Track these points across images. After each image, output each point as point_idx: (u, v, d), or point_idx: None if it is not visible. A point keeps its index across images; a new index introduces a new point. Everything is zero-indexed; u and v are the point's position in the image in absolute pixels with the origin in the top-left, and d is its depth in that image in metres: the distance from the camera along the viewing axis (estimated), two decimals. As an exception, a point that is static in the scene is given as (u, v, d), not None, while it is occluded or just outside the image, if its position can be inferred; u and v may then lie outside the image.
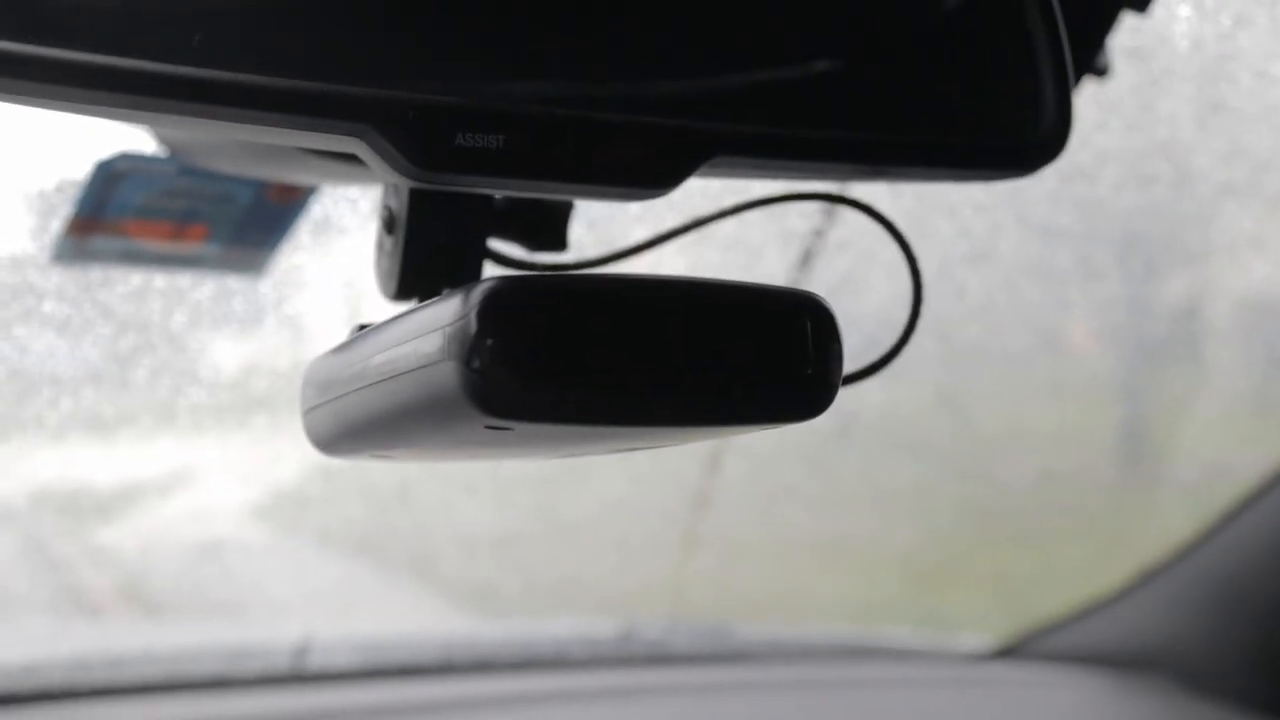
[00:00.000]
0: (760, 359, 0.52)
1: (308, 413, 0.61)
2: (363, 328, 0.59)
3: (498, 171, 0.53)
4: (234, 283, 1.25)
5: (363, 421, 0.57)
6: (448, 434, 0.53)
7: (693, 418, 0.53)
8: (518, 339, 0.49)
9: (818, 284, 1.40)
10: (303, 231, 0.97)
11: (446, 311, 0.50)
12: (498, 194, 0.65)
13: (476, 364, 0.48)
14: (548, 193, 0.62)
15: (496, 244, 0.68)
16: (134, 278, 1.20)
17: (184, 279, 1.23)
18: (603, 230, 1.12)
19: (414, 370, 0.52)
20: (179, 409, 1.55)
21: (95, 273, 1.17)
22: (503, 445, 0.57)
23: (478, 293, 0.49)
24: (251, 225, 0.89)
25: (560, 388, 0.49)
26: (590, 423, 0.51)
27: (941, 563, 2.68)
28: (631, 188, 0.56)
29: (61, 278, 1.20)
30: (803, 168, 0.62)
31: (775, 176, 0.65)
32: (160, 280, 1.22)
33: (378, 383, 0.54)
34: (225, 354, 1.55)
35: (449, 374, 0.49)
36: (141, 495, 2.11)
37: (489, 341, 0.48)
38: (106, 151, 0.81)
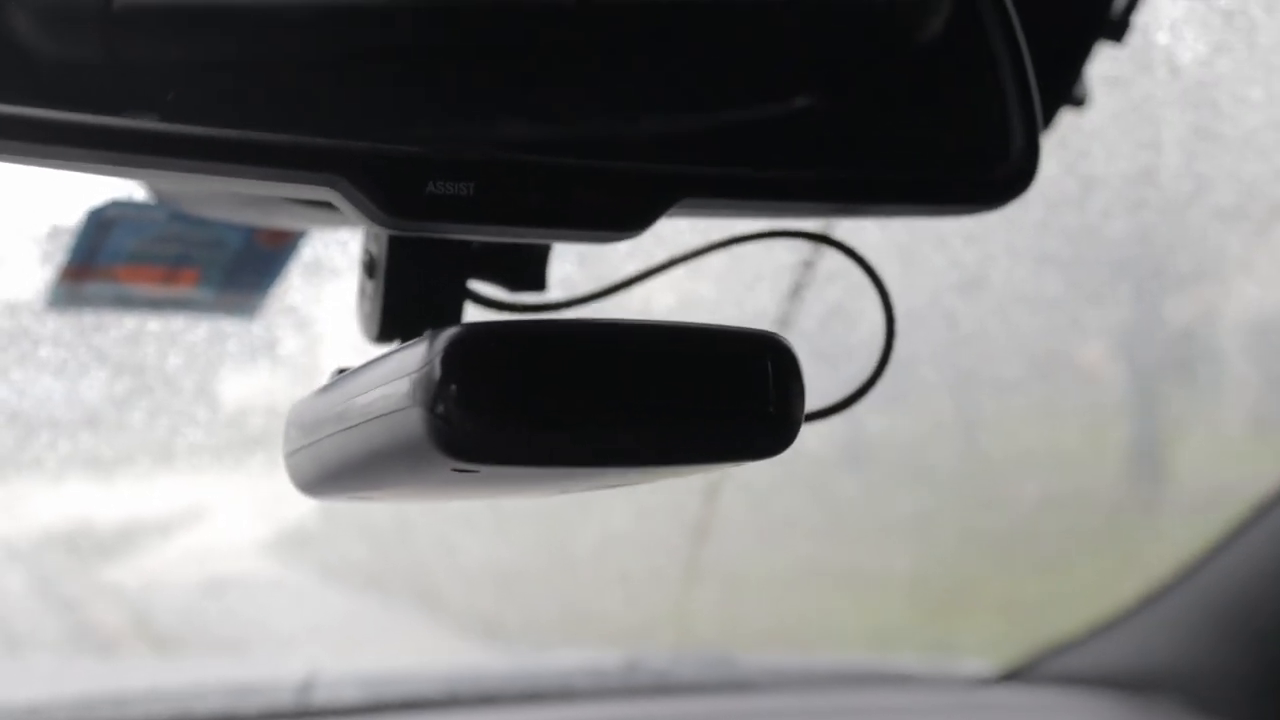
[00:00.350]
0: (722, 399, 0.53)
1: (289, 455, 0.63)
2: (342, 371, 0.60)
3: (469, 218, 0.54)
4: (228, 325, 1.26)
5: (339, 465, 0.58)
6: (419, 477, 0.54)
7: (654, 458, 0.54)
8: (480, 384, 0.50)
9: (808, 315, 1.41)
10: (295, 273, 0.98)
11: (413, 358, 0.51)
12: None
13: (440, 409, 0.50)
14: (520, 237, 0.63)
15: (477, 285, 0.70)
16: (129, 322, 1.21)
17: (178, 322, 1.24)
18: (593, 267, 1.13)
19: (383, 416, 0.53)
20: (177, 449, 1.56)
21: (90, 317, 1.18)
22: (474, 486, 0.58)
23: (441, 340, 0.50)
24: (242, 269, 0.90)
25: (523, 431, 0.51)
26: (554, 464, 0.52)
27: (950, 589, 2.67)
28: (602, 230, 0.57)
29: (58, 323, 1.21)
30: (773, 207, 0.63)
31: (747, 215, 0.66)
32: (155, 324, 1.23)
33: (351, 427, 0.56)
34: (224, 393, 1.56)
35: (415, 420, 0.50)
36: (143, 533, 2.12)
37: (452, 387, 0.50)
38: (97, 199, 0.82)
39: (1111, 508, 2.45)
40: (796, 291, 1.33)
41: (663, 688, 1.70)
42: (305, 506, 1.97)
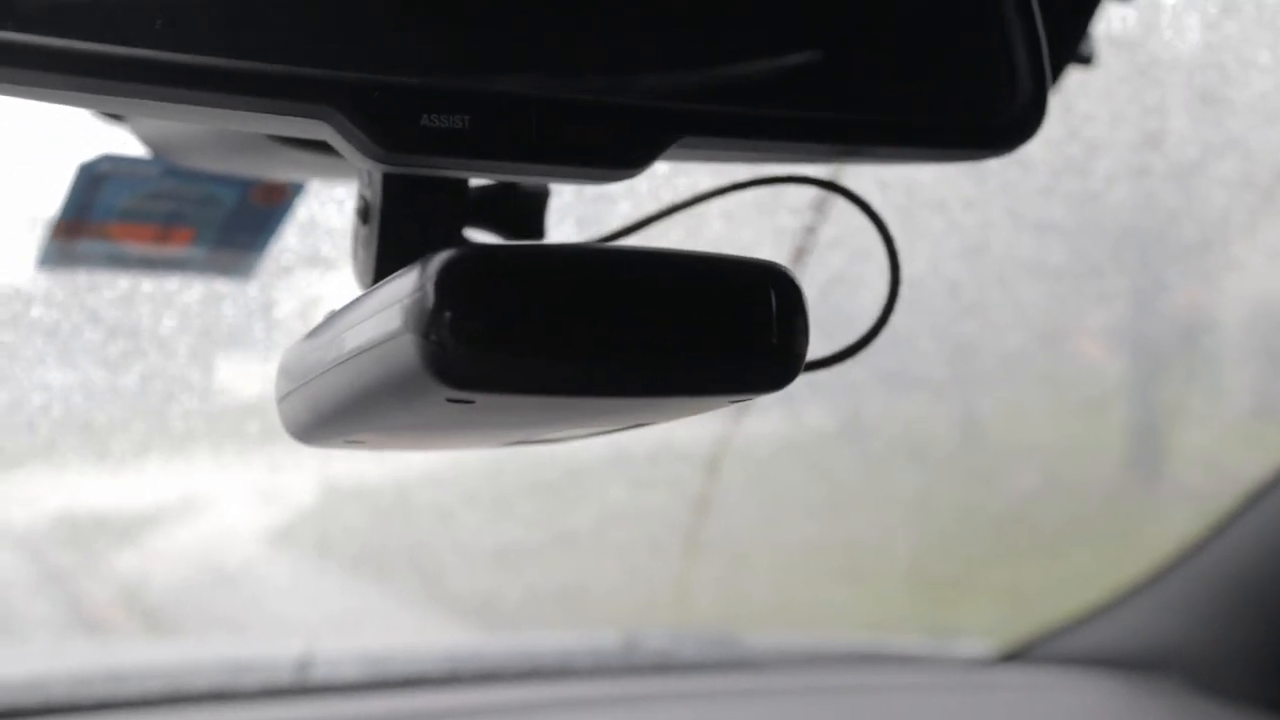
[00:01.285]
0: (723, 327, 0.52)
1: (281, 401, 0.61)
2: (332, 313, 0.59)
3: (463, 152, 0.53)
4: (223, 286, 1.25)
5: (331, 405, 0.57)
6: (412, 411, 0.53)
7: (654, 387, 0.52)
8: (475, 309, 0.49)
9: (810, 282, 1.40)
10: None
11: (405, 285, 0.50)
12: (470, 179, 0.65)
13: (434, 336, 0.48)
14: (515, 174, 0.62)
15: (473, 233, 0.68)
16: (122, 282, 1.20)
17: (172, 283, 1.23)
18: (592, 230, 1.12)
19: (375, 347, 0.51)
20: (173, 421, 1.55)
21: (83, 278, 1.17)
22: (467, 425, 0.57)
23: (434, 264, 0.49)
24: (237, 227, 0.89)
25: (518, 357, 0.49)
26: (550, 393, 0.50)
27: (949, 571, 2.67)
28: (599, 168, 0.56)
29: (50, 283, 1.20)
30: (775, 148, 0.62)
31: (748, 159, 0.65)
32: (149, 285, 1.22)
33: (343, 363, 0.54)
34: (223, 369, 1.55)
35: (408, 347, 0.49)
36: (146, 513, 2.12)
37: (446, 313, 0.48)
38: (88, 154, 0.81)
39: (1112, 482, 2.45)
40: (799, 257, 1.32)
41: (662, 666, 1.70)
42: (303, 481, 1.96)
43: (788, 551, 2.26)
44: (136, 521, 2.15)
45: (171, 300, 1.33)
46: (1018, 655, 1.76)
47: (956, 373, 2.08)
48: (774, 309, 0.52)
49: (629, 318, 0.51)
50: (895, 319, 0.69)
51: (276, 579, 2.29)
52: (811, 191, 1.16)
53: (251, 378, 1.55)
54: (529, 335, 0.49)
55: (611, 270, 0.51)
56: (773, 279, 0.53)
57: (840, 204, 0.73)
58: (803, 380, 0.56)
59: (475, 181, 0.66)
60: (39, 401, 1.44)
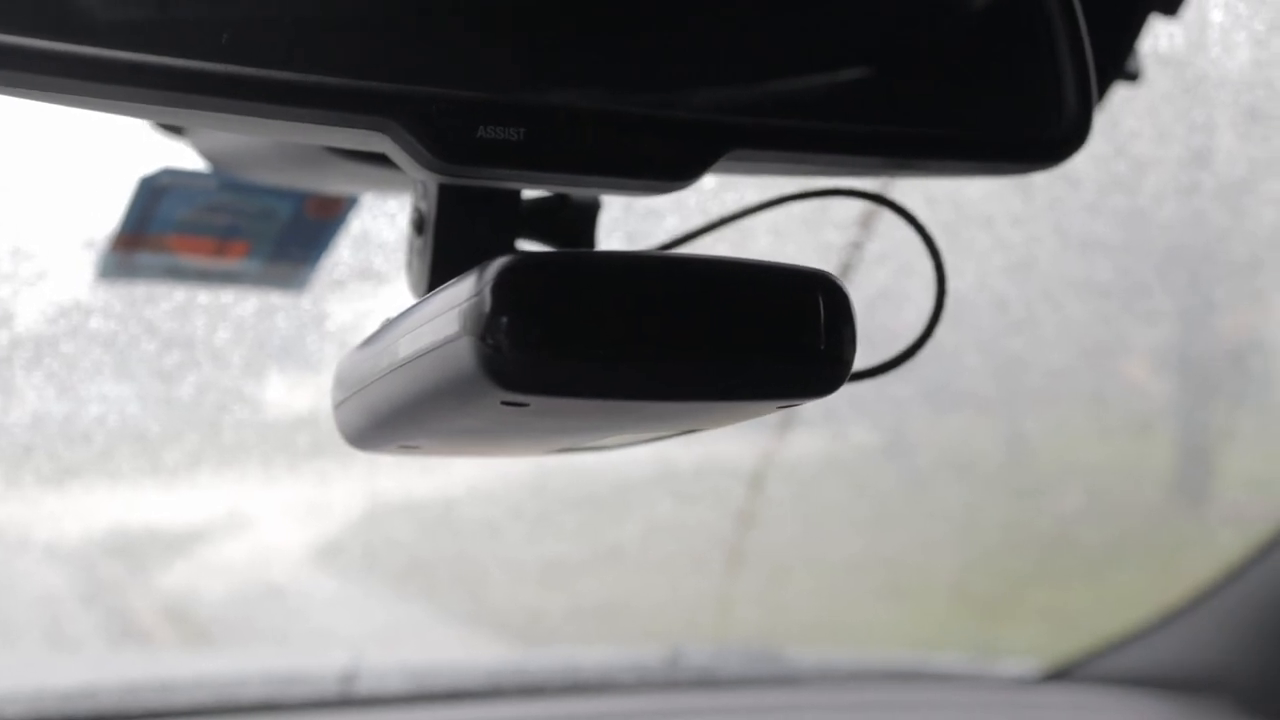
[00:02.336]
0: (772, 334, 0.53)
1: (337, 407, 0.62)
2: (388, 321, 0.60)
3: (519, 164, 0.54)
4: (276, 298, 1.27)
5: (387, 409, 0.58)
6: (467, 414, 0.54)
7: (703, 392, 0.53)
8: (531, 313, 0.50)
9: (856, 297, 1.40)
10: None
11: (462, 290, 0.51)
12: (524, 190, 0.66)
13: (491, 339, 0.49)
14: (568, 185, 0.63)
15: (525, 244, 0.69)
16: (179, 294, 1.22)
17: (227, 295, 1.25)
18: (640, 245, 1.13)
19: (432, 351, 0.53)
20: (225, 432, 1.57)
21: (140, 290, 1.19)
22: (520, 429, 0.57)
23: (492, 269, 0.50)
24: (291, 241, 0.90)
25: (573, 360, 0.50)
26: (602, 396, 0.51)
27: (993, 590, 2.65)
28: (651, 180, 0.57)
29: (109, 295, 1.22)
30: (825, 161, 0.62)
31: (797, 173, 0.65)
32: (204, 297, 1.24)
33: (399, 368, 0.55)
34: (275, 381, 1.57)
35: (465, 350, 0.50)
36: (195, 525, 2.13)
37: (503, 317, 0.49)
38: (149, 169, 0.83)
39: (1158, 503, 2.42)
40: (845, 273, 1.32)
41: (705, 681, 1.70)
42: (350, 493, 1.97)
43: (831, 568, 2.25)
44: (186, 533, 2.17)
45: (226, 312, 1.35)
46: (1061, 675, 1.75)
47: (1002, 390, 2.07)
48: (822, 315, 0.53)
49: (679, 323, 0.52)
50: (941, 334, 0.69)
51: (322, 592, 2.31)
52: (858, 207, 1.16)
53: (303, 390, 1.57)
54: (582, 339, 0.50)
55: (663, 276, 0.52)
56: (821, 286, 0.54)
57: (886, 220, 0.73)
58: (848, 396, 0.57)
59: (527, 194, 0.67)
60: (95, 412, 1.46)
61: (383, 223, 1.16)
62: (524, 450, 0.70)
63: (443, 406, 0.54)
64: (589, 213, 0.70)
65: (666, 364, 0.52)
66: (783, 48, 0.63)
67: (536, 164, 0.55)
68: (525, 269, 0.50)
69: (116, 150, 0.90)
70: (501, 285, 0.50)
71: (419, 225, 0.66)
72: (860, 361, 0.69)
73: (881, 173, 0.68)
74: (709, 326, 0.52)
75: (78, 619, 2.14)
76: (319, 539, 2.29)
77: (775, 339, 0.53)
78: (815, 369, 0.54)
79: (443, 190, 0.64)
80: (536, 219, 0.69)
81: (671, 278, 0.52)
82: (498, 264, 0.50)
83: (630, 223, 1.13)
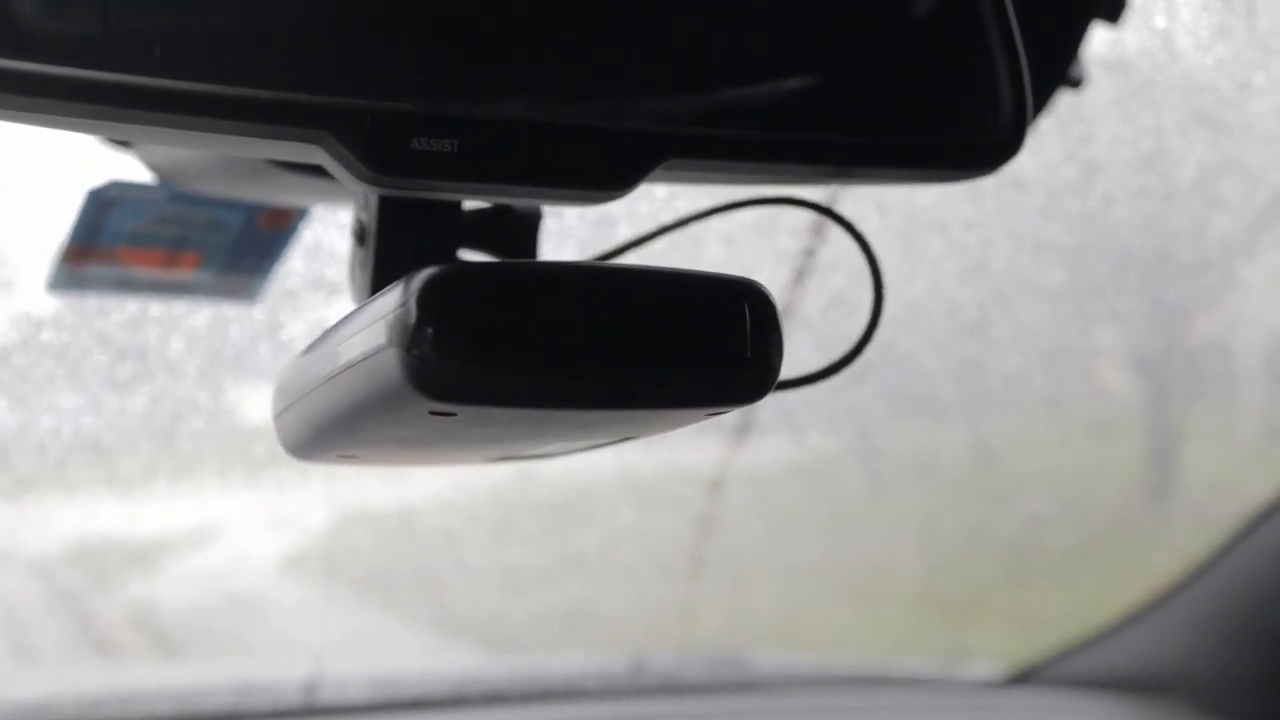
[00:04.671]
0: (698, 341, 0.53)
1: (277, 418, 0.63)
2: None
3: (453, 175, 0.55)
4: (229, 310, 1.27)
5: (323, 419, 0.58)
6: (398, 424, 0.54)
7: (629, 400, 0.54)
8: (456, 323, 0.50)
9: (810, 304, 1.41)
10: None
11: (389, 301, 0.52)
12: (464, 202, 0.67)
13: (416, 350, 0.50)
14: (503, 196, 0.63)
15: (467, 254, 0.70)
16: (131, 306, 1.22)
17: (180, 306, 1.25)
18: (592, 253, 1.14)
19: (362, 361, 0.53)
20: (181, 442, 1.56)
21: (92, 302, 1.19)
22: (454, 438, 0.58)
23: (417, 280, 0.50)
24: (243, 252, 0.90)
25: (499, 370, 0.50)
26: (530, 405, 0.52)
27: (958, 594, 2.66)
28: (585, 190, 0.57)
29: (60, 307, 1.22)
30: (763, 170, 0.63)
31: (739, 181, 0.66)
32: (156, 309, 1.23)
33: (333, 378, 0.56)
34: (230, 391, 1.57)
35: (392, 361, 0.50)
36: (154, 535, 2.12)
37: (428, 328, 0.50)
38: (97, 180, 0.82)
39: (1122, 505, 2.44)
40: (799, 280, 1.33)
41: (669, 687, 1.70)
42: (309, 502, 1.97)
43: (794, 573, 2.26)
44: (145, 543, 2.16)
45: (179, 323, 1.35)
46: (1025, 678, 1.76)
47: (962, 393, 2.08)
48: (748, 323, 0.54)
49: (605, 331, 0.52)
50: (898, 339, 0.70)
51: (284, 601, 2.30)
52: (809, 214, 1.17)
53: (259, 400, 1.57)
54: (508, 349, 0.51)
55: (588, 285, 0.53)
56: (747, 294, 0.54)
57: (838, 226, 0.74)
58: (808, 401, 0.58)
59: (469, 204, 0.68)
60: (49, 424, 1.46)
61: (335, 233, 1.17)
62: (461, 459, 0.70)
63: (374, 416, 0.54)
64: (531, 222, 0.70)
65: (592, 372, 0.52)
66: (720, 57, 0.64)
67: (470, 175, 0.55)
68: (450, 280, 0.51)
69: (77, 160, 0.90)
70: (426, 296, 0.50)
71: (360, 236, 0.66)
72: (814, 367, 0.70)
73: (822, 180, 0.68)
74: (634, 335, 0.52)
75: (37, 630, 2.12)
76: (279, 548, 2.28)
77: (701, 346, 0.54)
78: (742, 376, 0.54)
79: (383, 201, 0.64)
80: (478, 229, 0.69)
81: (597, 287, 0.53)
82: (423, 275, 0.51)
83: (583, 231, 1.14)
